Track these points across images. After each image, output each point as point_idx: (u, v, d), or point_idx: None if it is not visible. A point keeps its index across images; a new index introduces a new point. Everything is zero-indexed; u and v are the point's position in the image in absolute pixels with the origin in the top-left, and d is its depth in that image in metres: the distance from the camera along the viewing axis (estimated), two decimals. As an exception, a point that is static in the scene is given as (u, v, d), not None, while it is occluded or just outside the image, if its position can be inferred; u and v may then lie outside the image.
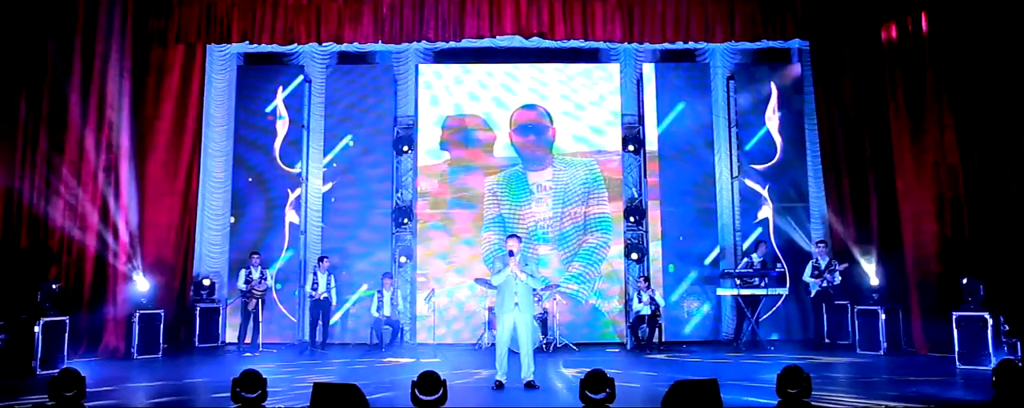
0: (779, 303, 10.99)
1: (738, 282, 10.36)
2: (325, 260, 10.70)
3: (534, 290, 7.72)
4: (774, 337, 10.90)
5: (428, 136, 11.71)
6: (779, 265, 11.02)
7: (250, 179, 11.60)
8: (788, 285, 10.91)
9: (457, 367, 8.60)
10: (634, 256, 11.32)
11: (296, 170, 11.62)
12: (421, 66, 11.90)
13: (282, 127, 11.65)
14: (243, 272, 10.59)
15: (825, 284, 10.26)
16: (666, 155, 11.59)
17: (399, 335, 10.79)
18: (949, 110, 9.60)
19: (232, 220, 11.54)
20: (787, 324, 11.17)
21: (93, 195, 9.74)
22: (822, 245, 10.63)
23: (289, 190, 11.56)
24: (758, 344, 10.25)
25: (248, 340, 10.43)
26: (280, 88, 11.72)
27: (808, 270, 10.53)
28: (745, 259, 10.83)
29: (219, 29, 10.58)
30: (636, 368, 8.78)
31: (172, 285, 10.55)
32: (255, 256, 10.70)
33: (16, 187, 9.37)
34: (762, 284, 10.30)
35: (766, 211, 11.42)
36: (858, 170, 10.51)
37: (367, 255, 11.43)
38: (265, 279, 10.64)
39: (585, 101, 11.77)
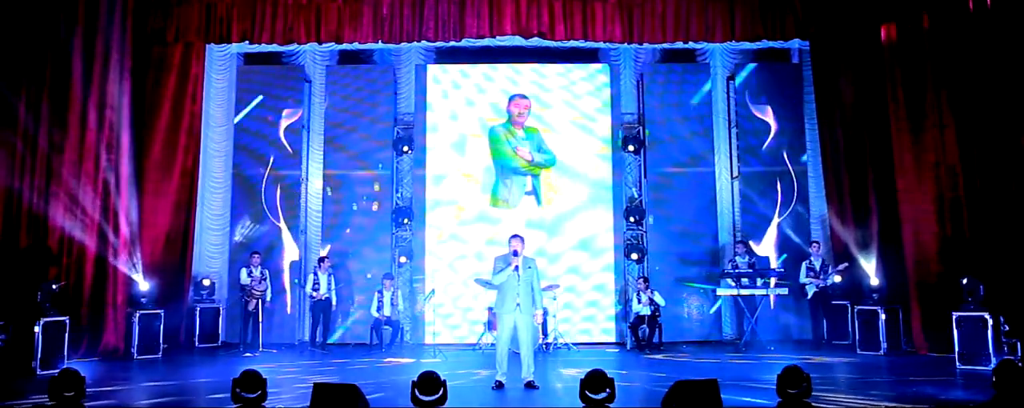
0: (774, 301, 10.99)
1: (737, 282, 10.36)
2: (326, 261, 10.69)
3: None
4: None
5: (428, 137, 11.70)
6: (779, 265, 11.01)
7: (250, 179, 11.60)
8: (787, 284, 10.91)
9: (457, 367, 8.61)
10: (634, 256, 11.30)
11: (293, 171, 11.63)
12: (421, 68, 11.88)
13: (285, 120, 11.65)
14: (244, 271, 10.59)
15: (821, 285, 10.25)
16: (665, 154, 11.59)
17: (399, 335, 10.79)
18: (949, 110, 9.59)
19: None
20: (787, 324, 11.17)
21: (93, 195, 9.73)
22: (816, 246, 10.61)
23: (294, 189, 11.57)
24: (758, 344, 10.25)
25: (248, 340, 10.42)
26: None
27: (803, 271, 10.54)
28: (730, 262, 10.79)
29: (219, 29, 10.57)
30: (636, 368, 8.78)
31: (172, 285, 10.52)
32: (255, 256, 10.69)
33: (16, 187, 9.36)
34: (761, 284, 10.30)
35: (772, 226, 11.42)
36: (858, 170, 10.51)
37: (366, 255, 11.42)
38: (265, 279, 10.64)
39: (586, 101, 11.77)
